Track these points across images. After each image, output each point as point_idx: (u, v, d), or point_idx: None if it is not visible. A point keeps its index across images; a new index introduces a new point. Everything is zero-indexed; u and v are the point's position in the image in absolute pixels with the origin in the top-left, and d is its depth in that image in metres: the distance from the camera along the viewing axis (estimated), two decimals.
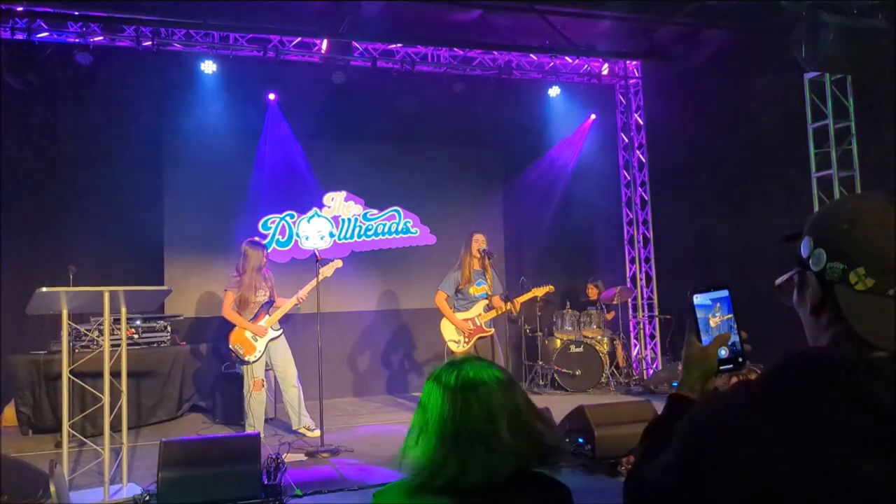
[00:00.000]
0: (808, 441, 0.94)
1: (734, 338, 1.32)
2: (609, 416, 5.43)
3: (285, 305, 6.44)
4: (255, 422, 6.32)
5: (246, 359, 6.35)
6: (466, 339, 6.64)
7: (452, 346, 6.67)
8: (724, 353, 1.31)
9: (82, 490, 4.68)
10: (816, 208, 7.30)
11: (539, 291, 6.95)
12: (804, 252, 1.11)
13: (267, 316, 6.42)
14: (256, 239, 6.82)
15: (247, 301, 6.38)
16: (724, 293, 1.34)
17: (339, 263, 6.59)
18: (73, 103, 8.01)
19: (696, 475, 1.03)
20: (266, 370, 6.54)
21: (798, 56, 6.47)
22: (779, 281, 1.24)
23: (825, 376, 0.99)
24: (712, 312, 1.33)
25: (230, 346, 6.40)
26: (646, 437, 1.32)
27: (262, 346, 6.38)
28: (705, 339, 1.32)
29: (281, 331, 6.50)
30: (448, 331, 6.71)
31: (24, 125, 7.81)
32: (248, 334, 6.36)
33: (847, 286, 1.04)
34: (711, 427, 1.04)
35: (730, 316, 1.33)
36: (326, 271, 6.44)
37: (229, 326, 6.43)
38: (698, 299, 1.33)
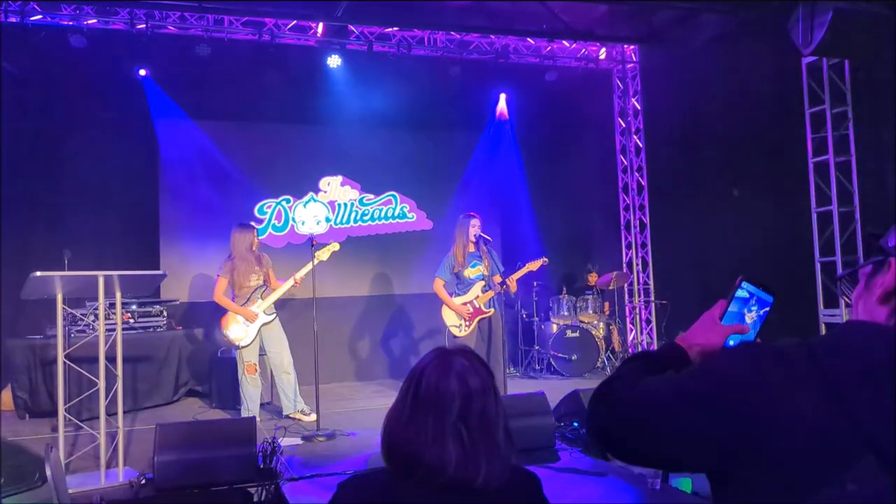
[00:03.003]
0: (852, 406, 0.96)
1: (750, 337, 1.32)
2: None
3: (279, 290, 6.43)
4: (250, 405, 6.33)
5: (237, 344, 6.36)
6: (468, 324, 6.62)
7: (455, 332, 6.64)
8: (731, 343, 1.31)
9: (79, 474, 4.70)
10: (814, 193, 7.32)
11: (533, 265, 6.89)
12: (893, 241, 1.12)
13: (259, 300, 6.42)
14: (250, 223, 6.81)
15: (240, 285, 6.38)
16: (770, 299, 1.34)
17: (335, 247, 6.56)
18: (67, 87, 7.95)
19: (717, 403, 1.04)
20: (261, 355, 6.55)
21: (795, 40, 6.45)
22: (843, 273, 1.27)
23: (889, 349, 1.01)
24: (748, 307, 1.33)
25: (222, 331, 6.42)
26: (632, 361, 1.32)
27: (252, 330, 6.37)
28: (726, 321, 1.33)
29: (274, 315, 6.48)
30: (449, 317, 6.69)
31: (18, 109, 7.75)
32: (239, 319, 6.36)
33: None
34: (753, 368, 1.05)
35: (764, 310, 1.34)
36: (322, 255, 6.40)
37: (224, 311, 6.44)
38: (746, 287, 1.34)
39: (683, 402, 1.09)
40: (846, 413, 0.95)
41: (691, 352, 1.31)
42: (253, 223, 7.00)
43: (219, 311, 6.55)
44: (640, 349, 9.91)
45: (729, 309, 1.32)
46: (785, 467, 0.96)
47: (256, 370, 6.41)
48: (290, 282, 6.36)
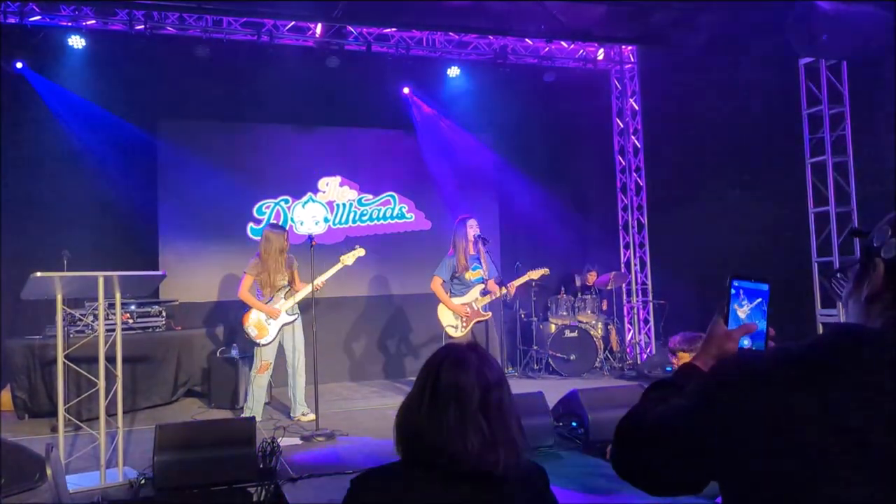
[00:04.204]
0: (841, 406, 0.96)
1: (761, 330, 1.31)
2: (602, 401, 5.48)
3: (302, 291, 6.47)
4: (254, 405, 6.35)
5: (258, 341, 6.39)
6: (464, 324, 6.63)
7: (451, 332, 6.65)
8: (747, 343, 1.31)
9: (79, 474, 4.70)
10: (811, 193, 7.34)
11: (534, 274, 6.93)
12: (877, 241, 1.12)
13: (283, 300, 6.44)
14: (282, 224, 6.82)
15: (268, 285, 6.42)
16: (764, 287, 1.33)
17: (361, 252, 6.62)
18: (65, 87, 7.95)
19: (712, 416, 1.05)
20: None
21: (793, 41, 6.46)
22: (832, 272, 1.28)
23: (874, 350, 1.01)
24: (739, 302, 1.32)
25: (244, 327, 6.44)
26: (651, 391, 1.34)
27: (274, 329, 6.40)
28: (732, 324, 1.32)
29: (296, 316, 6.52)
30: (446, 316, 6.70)
31: (17, 109, 7.76)
32: (262, 317, 6.39)
33: None
34: (742, 374, 1.06)
35: (758, 301, 1.33)
36: (347, 259, 6.53)
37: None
38: (737, 285, 1.33)
39: (684, 417, 1.11)
40: (836, 415, 0.96)
41: (707, 367, 1.31)
42: (287, 226, 6.98)
43: (218, 312, 6.57)
44: (637, 349, 9.93)
45: (731, 311, 1.32)
46: (779, 470, 0.97)
47: (268, 370, 6.43)
48: (312, 286, 6.36)
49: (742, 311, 1.32)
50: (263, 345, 6.39)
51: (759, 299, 1.33)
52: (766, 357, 1.08)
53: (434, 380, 1.61)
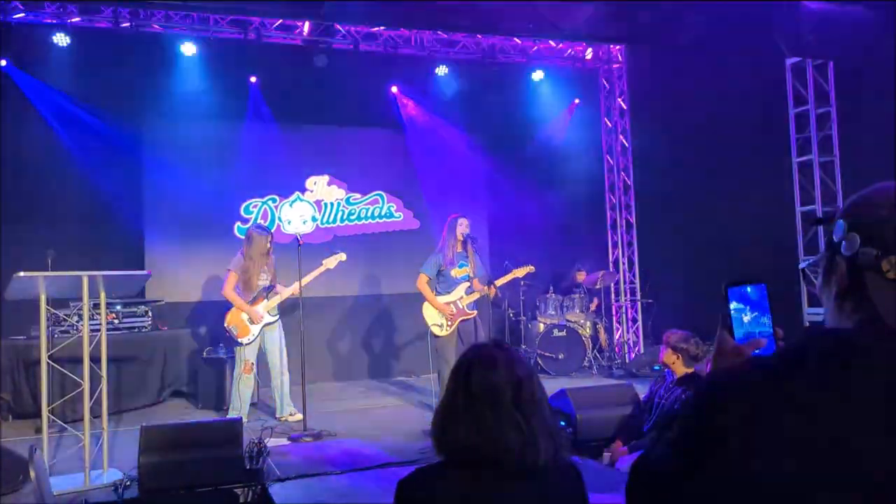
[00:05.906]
0: (819, 415, 0.93)
1: (769, 335, 1.25)
2: (591, 400, 5.47)
3: (284, 292, 6.46)
4: (240, 405, 6.32)
5: (239, 340, 6.37)
6: (449, 323, 6.60)
7: (436, 331, 6.62)
8: (758, 351, 1.24)
9: (63, 475, 4.65)
10: (798, 192, 7.38)
11: (520, 272, 6.92)
12: (836, 236, 1.07)
13: (265, 301, 6.42)
14: (267, 226, 6.80)
15: (249, 284, 6.39)
16: (762, 288, 1.26)
17: (342, 257, 6.66)
18: (51, 86, 7.88)
19: (697, 442, 1.01)
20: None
21: (780, 41, 6.49)
22: (804, 265, 1.24)
23: (847, 356, 0.97)
24: (745, 311, 1.25)
25: (225, 326, 6.41)
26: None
27: (256, 329, 6.39)
28: (738, 335, 1.24)
29: (277, 317, 6.51)
30: (430, 315, 6.66)
31: (0, 107, 7.68)
32: (244, 316, 6.36)
33: (878, 273, 1.01)
34: (718, 393, 1.03)
35: (760, 305, 1.26)
36: (329, 263, 6.55)
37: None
38: (733, 293, 1.25)
39: (673, 454, 1.08)
40: (810, 426, 0.93)
41: None
42: (243, 224, 6.95)
43: (205, 312, 6.53)
44: (625, 348, 9.95)
45: (735, 322, 1.25)
46: (757, 489, 0.94)
47: (252, 370, 6.40)
48: (294, 287, 6.35)
49: (746, 318, 1.25)
50: (245, 344, 6.37)
51: (761, 303, 1.26)
52: (735, 378, 1.04)
53: (465, 382, 1.63)
